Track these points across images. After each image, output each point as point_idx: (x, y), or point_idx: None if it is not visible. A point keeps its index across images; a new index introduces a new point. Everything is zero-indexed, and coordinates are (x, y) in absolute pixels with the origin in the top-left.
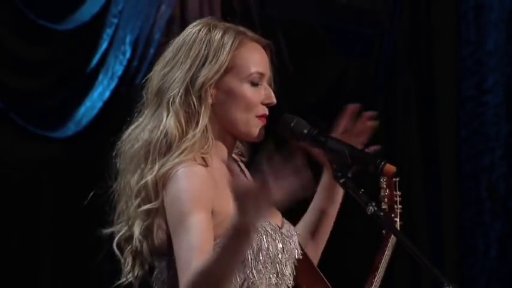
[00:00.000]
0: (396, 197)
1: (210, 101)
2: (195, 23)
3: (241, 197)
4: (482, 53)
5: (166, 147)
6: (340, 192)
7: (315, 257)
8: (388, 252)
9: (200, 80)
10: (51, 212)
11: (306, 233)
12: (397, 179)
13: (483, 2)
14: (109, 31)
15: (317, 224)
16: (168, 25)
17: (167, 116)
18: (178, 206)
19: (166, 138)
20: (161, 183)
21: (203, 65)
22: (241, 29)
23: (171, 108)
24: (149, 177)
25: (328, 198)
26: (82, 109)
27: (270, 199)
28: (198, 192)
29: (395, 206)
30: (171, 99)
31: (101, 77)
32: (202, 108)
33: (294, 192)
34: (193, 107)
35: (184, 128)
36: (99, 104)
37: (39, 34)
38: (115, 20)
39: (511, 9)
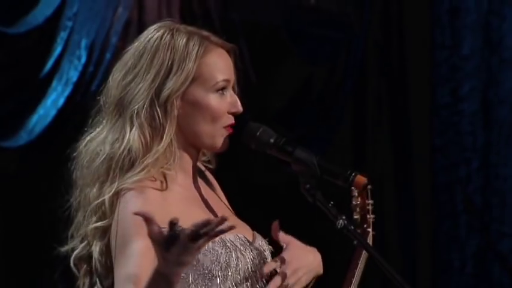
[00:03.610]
0: (368, 205)
1: (175, 113)
2: (155, 27)
3: (159, 245)
4: (458, 58)
5: (129, 164)
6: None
7: None
8: (361, 266)
9: (166, 92)
10: (2, 224)
11: None
12: (370, 187)
13: (458, 5)
14: (63, 35)
15: None
16: (125, 28)
17: (130, 130)
18: (122, 230)
19: (130, 155)
20: (116, 201)
21: (168, 75)
22: (205, 33)
23: (135, 122)
24: (107, 196)
25: None
26: (35, 117)
27: (187, 254)
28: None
29: (368, 216)
30: (135, 113)
31: (54, 83)
32: (168, 122)
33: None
34: (158, 120)
35: (149, 142)
36: (53, 112)
37: None
38: (69, 23)
39: (488, 12)
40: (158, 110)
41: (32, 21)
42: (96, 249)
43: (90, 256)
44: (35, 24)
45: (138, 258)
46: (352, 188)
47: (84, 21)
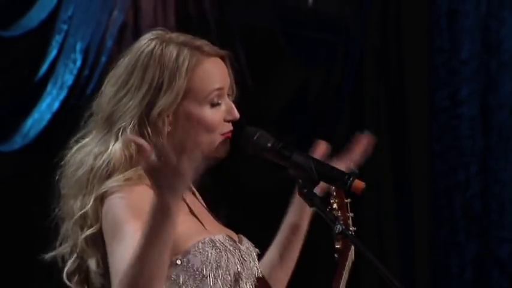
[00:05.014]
0: (349, 219)
1: (167, 130)
2: (147, 38)
3: (151, 175)
4: (456, 62)
5: (106, 174)
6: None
7: (284, 279)
8: (345, 276)
9: (156, 110)
10: None
11: (275, 254)
12: (349, 200)
13: (457, 8)
14: (58, 38)
15: (290, 239)
16: (121, 32)
17: (114, 144)
18: (113, 215)
19: (108, 167)
20: (100, 204)
21: (158, 93)
22: (197, 42)
23: (120, 138)
24: (88, 206)
25: (300, 211)
26: (29, 121)
27: (179, 175)
28: (135, 203)
29: (349, 229)
30: (121, 129)
31: (49, 86)
32: (158, 139)
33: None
34: (147, 138)
35: (134, 157)
36: (48, 116)
37: None
38: (65, 26)
39: (487, 15)
40: (148, 127)
41: (27, 25)
42: (92, 263)
43: (81, 267)
44: (30, 28)
45: (133, 240)
46: (331, 201)
47: (80, 25)
